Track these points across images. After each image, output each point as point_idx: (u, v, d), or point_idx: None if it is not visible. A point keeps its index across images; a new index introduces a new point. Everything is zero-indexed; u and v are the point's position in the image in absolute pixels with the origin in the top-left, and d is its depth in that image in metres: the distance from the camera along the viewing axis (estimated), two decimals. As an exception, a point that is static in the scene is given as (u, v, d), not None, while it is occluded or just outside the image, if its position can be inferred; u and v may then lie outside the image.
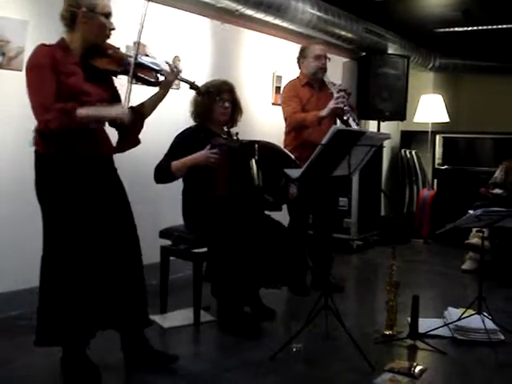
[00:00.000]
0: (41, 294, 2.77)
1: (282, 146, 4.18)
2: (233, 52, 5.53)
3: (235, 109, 3.81)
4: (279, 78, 6.04)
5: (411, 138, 8.37)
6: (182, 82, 3.15)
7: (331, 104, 4.24)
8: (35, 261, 3.98)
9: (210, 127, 3.75)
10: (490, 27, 6.93)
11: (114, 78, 2.95)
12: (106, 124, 2.90)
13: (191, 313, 3.72)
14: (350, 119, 4.27)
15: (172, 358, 3.05)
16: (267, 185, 3.63)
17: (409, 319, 3.54)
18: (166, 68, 2.96)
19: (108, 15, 2.75)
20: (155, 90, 3.00)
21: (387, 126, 7.40)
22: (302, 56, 4.56)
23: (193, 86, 3.17)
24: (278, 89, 6.03)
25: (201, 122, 3.77)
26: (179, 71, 3.01)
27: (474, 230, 5.38)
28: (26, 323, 3.62)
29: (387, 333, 3.57)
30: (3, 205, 3.77)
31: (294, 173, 3.36)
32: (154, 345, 3.06)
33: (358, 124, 4.31)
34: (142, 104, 2.99)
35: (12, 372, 2.94)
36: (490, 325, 3.53)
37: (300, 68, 4.60)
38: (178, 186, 3.72)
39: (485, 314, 3.53)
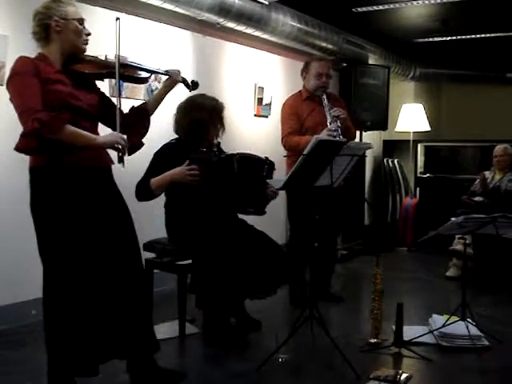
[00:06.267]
0: (45, 320, 2.64)
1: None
2: (215, 64, 5.55)
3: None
4: (261, 89, 6.08)
5: (393, 147, 8.44)
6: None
7: (323, 135, 4.09)
8: (22, 276, 3.96)
9: (192, 142, 3.66)
10: (468, 37, 7.04)
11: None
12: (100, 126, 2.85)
13: (176, 325, 3.71)
14: None
15: (180, 375, 2.99)
16: (249, 195, 3.65)
17: (394, 327, 3.55)
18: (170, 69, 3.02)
19: (81, 21, 2.72)
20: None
21: (369, 136, 7.46)
22: (304, 70, 4.55)
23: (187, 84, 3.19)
24: (260, 100, 6.07)
25: (186, 137, 3.67)
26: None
27: (457, 236, 5.42)
28: (11, 339, 3.59)
29: (372, 341, 3.58)
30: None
31: (277, 183, 3.37)
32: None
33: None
34: (145, 102, 3.06)
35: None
36: (474, 331, 3.55)
37: (303, 81, 4.58)
38: (160, 198, 3.71)
39: (469, 320, 3.57)
